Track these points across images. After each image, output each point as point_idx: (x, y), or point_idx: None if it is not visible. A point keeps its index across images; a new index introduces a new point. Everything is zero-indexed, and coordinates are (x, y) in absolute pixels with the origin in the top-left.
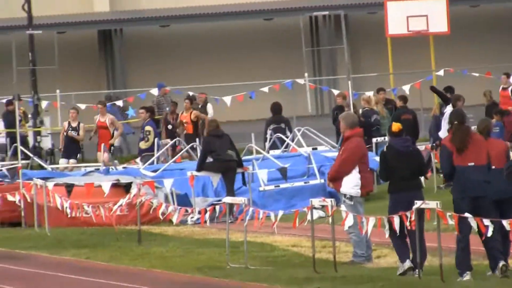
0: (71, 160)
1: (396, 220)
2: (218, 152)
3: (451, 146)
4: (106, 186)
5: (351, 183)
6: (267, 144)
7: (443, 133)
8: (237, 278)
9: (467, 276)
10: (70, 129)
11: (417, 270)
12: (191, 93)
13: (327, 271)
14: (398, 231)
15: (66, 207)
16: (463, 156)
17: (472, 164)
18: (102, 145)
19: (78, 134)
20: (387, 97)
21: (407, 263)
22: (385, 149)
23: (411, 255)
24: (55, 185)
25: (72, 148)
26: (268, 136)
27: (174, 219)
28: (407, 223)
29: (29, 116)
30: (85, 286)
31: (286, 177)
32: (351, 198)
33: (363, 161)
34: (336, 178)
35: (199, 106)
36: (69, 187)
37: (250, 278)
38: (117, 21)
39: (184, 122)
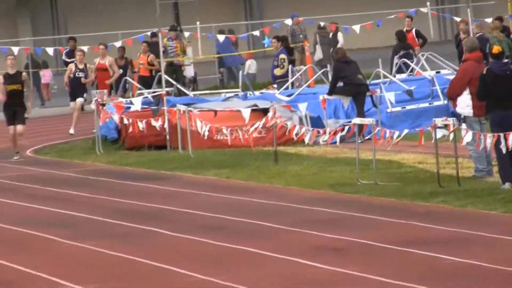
0: (79, 99)
1: (497, 139)
2: (349, 77)
3: None
4: (246, 112)
5: (463, 103)
6: (394, 69)
7: None
8: (367, 193)
9: None
10: (78, 70)
11: None
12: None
13: (451, 186)
14: (503, 150)
15: (205, 131)
16: None
17: None
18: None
19: (85, 76)
20: (504, 24)
21: (507, 185)
22: (484, 72)
23: None
24: (200, 111)
25: (80, 89)
26: (396, 61)
27: (307, 140)
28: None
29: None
30: (225, 203)
31: (412, 97)
32: (464, 118)
33: (472, 84)
34: (449, 98)
35: (330, 35)
36: (214, 111)
37: (379, 193)
38: None
39: (141, 63)
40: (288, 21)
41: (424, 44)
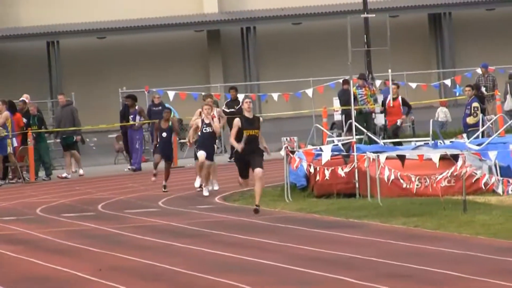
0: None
1: None
2: None
3: None
4: (436, 158)
5: None
6: None
7: None
8: None
9: None
10: (205, 125)
11: None
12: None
13: None
14: None
15: (395, 178)
16: None
17: None
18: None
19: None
20: None
21: None
22: None
23: None
24: (387, 158)
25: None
26: None
27: (498, 189)
28: None
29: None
30: (414, 251)
31: None
32: None
33: None
34: None
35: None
36: (402, 159)
37: None
38: (446, 5)
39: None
40: (479, 70)
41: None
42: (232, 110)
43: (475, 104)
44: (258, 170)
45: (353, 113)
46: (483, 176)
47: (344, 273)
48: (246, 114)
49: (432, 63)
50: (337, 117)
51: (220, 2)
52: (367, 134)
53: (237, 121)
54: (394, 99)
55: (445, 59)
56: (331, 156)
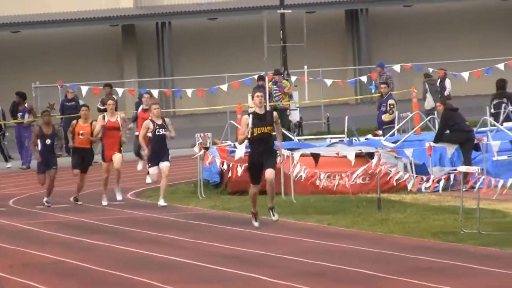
0: (166, 164)
1: None
2: (458, 124)
3: None
4: (351, 156)
5: None
6: (502, 117)
7: None
8: (470, 242)
9: None
10: (157, 127)
11: None
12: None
13: None
14: None
15: (309, 176)
16: None
17: None
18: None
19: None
20: None
21: None
22: None
23: None
24: (301, 155)
25: (164, 149)
26: (491, 110)
27: (410, 186)
28: None
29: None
30: (326, 249)
31: None
32: None
33: None
34: None
35: (438, 81)
36: (316, 157)
37: (483, 242)
38: (363, 1)
39: (81, 133)
40: (397, 67)
41: None
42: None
43: (391, 101)
44: (270, 171)
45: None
46: (396, 173)
47: (257, 271)
48: (257, 109)
49: (348, 60)
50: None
51: None
52: None
53: (245, 119)
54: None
55: (361, 56)
56: (245, 153)
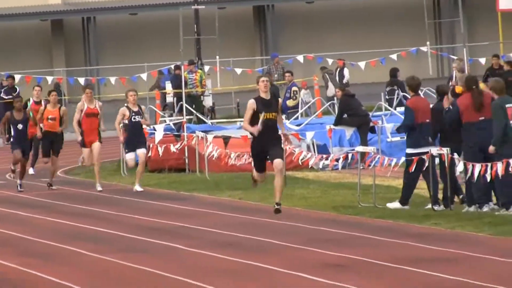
0: (142, 151)
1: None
2: (355, 109)
3: None
4: None
5: None
6: (395, 102)
7: None
8: (367, 215)
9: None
10: (133, 114)
11: None
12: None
13: (443, 209)
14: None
15: (221, 155)
16: None
17: None
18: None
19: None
20: (500, 63)
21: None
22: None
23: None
24: (214, 137)
25: (141, 136)
26: (386, 96)
27: (311, 163)
28: None
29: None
30: (238, 222)
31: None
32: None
33: None
34: None
35: (337, 69)
36: (226, 139)
37: (378, 215)
38: None
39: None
40: (300, 58)
41: None
42: (10, 97)
43: (295, 88)
44: (278, 162)
45: (184, 95)
46: (300, 152)
47: (175, 241)
48: (262, 94)
49: (256, 51)
50: (169, 99)
51: None
52: (196, 115)
53: (251, 103)
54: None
55: (268, 47)
56: (164, 134)
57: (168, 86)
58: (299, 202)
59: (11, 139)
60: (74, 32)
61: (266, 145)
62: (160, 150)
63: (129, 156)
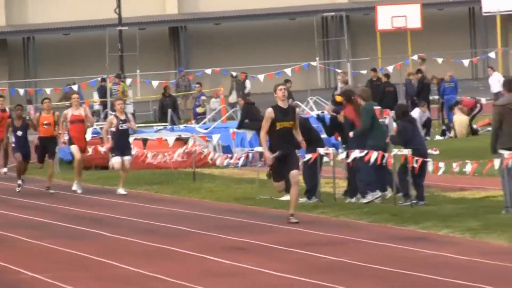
0: (128, 158)
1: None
2: (255, 116)
3: None
4: (171, 140)
5: None
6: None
7: None
8: (264, 206)
9: None
10: (121, 122)
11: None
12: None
13: (329, 201)
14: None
15: (140, 155)
16: None
17: None
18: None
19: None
20: (378, 76)
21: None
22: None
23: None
24: (135, 139)
25: (127, 143)
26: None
27: (218, 162)
28: None
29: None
30: (154, 212)
31: None
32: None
33: None
34: None
35: (241, 81)
36: (145, 141)
37: (274, 206)
38: (183, 20)
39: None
40: (208, 71)
41: None
42: None
43: (203, 97)
44: (294, 173)
45: (109, 104)
46: (209, 153)
47: (102, 229)
48: (280, 103)
49: (171, 66)
50: (96, 107)
51: (7, 16)
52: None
53: (269, 112)
54: None
55: (181, 62)
56: (92, 137)
57: (95, 96)
58: (206, 195)
59: (13, 145)
60: (16, 49)
61: (283, 152)
62: (91, 150)
63: (116, 160)
